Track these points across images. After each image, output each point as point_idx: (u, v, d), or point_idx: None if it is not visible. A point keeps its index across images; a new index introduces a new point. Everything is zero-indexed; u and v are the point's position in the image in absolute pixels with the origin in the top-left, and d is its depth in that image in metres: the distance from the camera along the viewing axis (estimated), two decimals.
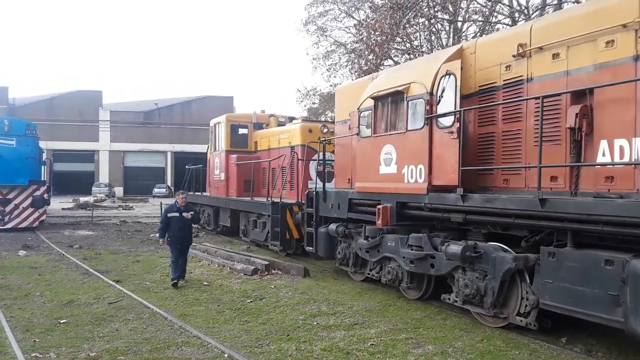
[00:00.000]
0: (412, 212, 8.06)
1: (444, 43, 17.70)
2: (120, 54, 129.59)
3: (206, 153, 19.63)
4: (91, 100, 54.01)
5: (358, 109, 9.21)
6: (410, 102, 7.89)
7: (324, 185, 10.45)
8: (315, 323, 7.03)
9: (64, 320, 7.09)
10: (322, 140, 10.52)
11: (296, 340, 6.31)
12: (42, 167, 21.25)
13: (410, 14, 15.26)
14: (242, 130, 17.08)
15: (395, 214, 8.21)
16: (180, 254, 9.92)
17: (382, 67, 17.68)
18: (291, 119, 16.70)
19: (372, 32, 15.91)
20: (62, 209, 28.80)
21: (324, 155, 10.53)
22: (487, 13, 15.91)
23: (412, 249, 7.81)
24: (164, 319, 7.20)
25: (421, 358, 5.74)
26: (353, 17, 22.85)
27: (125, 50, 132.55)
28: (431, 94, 7.50)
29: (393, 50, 17.34)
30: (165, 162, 55.73)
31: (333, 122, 14.54)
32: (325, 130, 13.77)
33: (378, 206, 8.34)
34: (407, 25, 15.48)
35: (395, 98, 8.25)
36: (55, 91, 60.30)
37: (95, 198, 38.21)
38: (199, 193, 19.54)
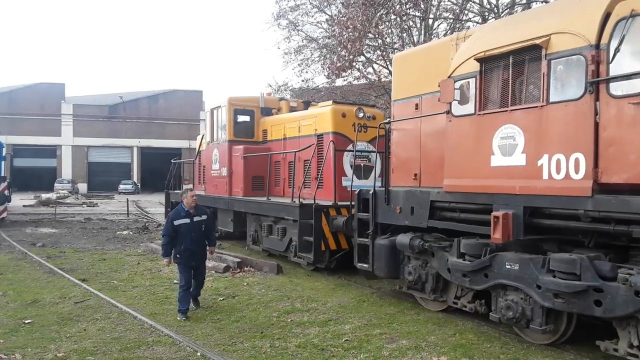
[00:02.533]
0: (551, 222, 5.68)
1: (415, 40, 18.00)
2: (84, 46, 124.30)
3: (199, 144, 16.88)
4: (53, 93, 53.51)
5: (449, 76, 6.74)
6: (553, 62, 5.48)
7: (387, 182, 7.97)
8: (289, 320, 7.09)
9: (29, 321, 6.97)
10: (386, 122, 7.98)
11: (270, 337, 6.35)
12: (2, 162, 20.51)
13: (382, 11, 15.23)
14: (244, 117, 14.43)
15: (523, 224, 5.79)
16: (194, 274, 7.43)
17: (355, 64, 17.61)
18: (306, 103, 14.16)
19: (345, 29, 15.88)
20: (24, 206, 28.53)
21: (386, 142, 8.02)
22: (457, 11, 16.12)
23: (554, 276, 5.42)
24: (134, 318, 7.13)
25: (395, 353, 5.87)
26: (325, 12, 23.07)
27: (89, 42, 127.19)
28: (597, 47, 5.10)
29: (365, 47, 17.38)
30: (131, 157, 55.31)
31: (371, 105, 12.13)
32: (362, 114, 11.32)
33: (495, 213, 5.92)
34: (379, 22, 15.44)
35: (522, 57, 5.85)
36: (15, 83, 60.28)
37: (58, 195, 38.17)
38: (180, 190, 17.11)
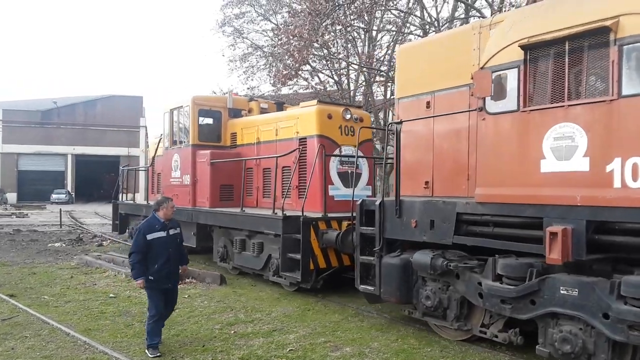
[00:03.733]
0: (620, 239, 4.80)
1: (360, 51, 18.55)
2: (15, 49, 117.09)
3: (155, 150, 15.31)
4: None
5: (483, 67, 5.81)
6: (626, 48, 4.62)
7: (397, 192, 6.92)
8: (232, 332, 6.98)
9: None
10: (397, 122, 6.94)
11: (212, 350, 6.25)
12: None
13: (327, 21, 15.42)
14: (210, 119, 13.09)
15: (585, 241, 4.89)
16: (166, 300, 6.35)
17: (301, 72, 17.89)
18: (279, 105, 12.96)
19: (292, 37, 16.03)
20: None
21: (397, 144, 7.00)
22: (399, 24, 16.59)
23: (625, 303, 4.55)
24: (66, 334, 6.84)
25: None
26: (270, 21, 23.31)
27: (21, 45, 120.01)
28: None
29: (311, 56, 17.62)
30: (65, 165, 53.20)
31: (357, 106, 11.11)
32: (349, 116, 10.28)
33: (551, 228, 4.99)
34: (324, 32, 15.65)
35: (581, 43, 4.97)
36: None
37: None
38: (133, 201, 16.36)
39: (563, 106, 5.12)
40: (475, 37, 6.68)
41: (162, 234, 6.20)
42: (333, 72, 19.87)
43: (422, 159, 7.25)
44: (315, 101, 10.81)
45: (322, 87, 20.08)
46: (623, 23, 4.68)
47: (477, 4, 14.81)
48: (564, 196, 5.07)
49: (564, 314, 5.14)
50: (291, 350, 6.24)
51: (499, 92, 5.67)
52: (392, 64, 17.90)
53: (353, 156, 9.79)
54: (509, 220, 5.66)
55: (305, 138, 10.20)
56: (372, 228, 7.26)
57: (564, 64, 5.12)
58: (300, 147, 10.17)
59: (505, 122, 5.65)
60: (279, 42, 18.27)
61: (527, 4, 11.31)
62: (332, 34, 17.41)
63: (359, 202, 7.53)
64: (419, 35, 16.37)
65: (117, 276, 10.92)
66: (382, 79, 17.85)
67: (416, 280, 6.83)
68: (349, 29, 17.29)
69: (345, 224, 9.03)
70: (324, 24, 15.82)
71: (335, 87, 19.91)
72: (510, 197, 5.57)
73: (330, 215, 9.09)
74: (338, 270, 9.25)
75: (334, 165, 9.89)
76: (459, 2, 14.66)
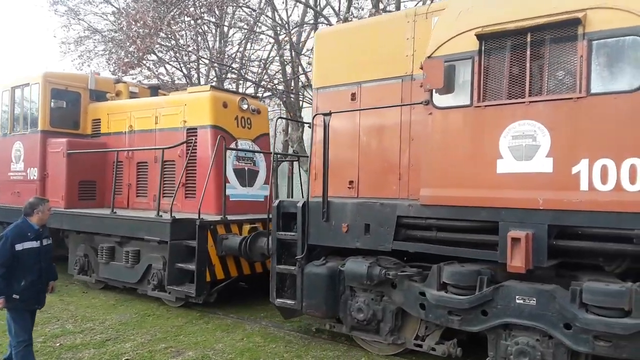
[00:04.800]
0: (581, 244, 4.66)
1: (211, 45, 18.35)
2: None
3: None
4: None
5: (430, 57, 5.37)
6: (595, 43, 4.48)
7: (325, 193, 6.20)
8: (57, 344, 6.50)
9: None
10: (326, 114, 6.20)
11: None
12: None
13: (175, 11, 15.10)
14: (66, 101, 11.05)
15: (547, 247, 4.69)
16: (32, 321, 5.11)
17: (144, 62, 17.28)
18: (154, 89, 11.41)
19: (134, 23, 15.42)
20: None
21: (325, 139, 6.27)
22: (251, 22, 16.58)
23: (587, 311, 4.44)
24: None
25: None
26: (112, 4, 21.73)
27: None
28: None
29: (157, 46, 16.97)
30: None
31: (253, 97, 10.18)
32: (246, 106, 9.32)
33: (514, 233, 4.70)
34: (172, 22, 15.24)
35: (546, 35, 4.75)
36: None
37: None
38: None
39: (524, 102, 4.84)
40: (409, 26, 6.25)
41: (35, 244, 4.87)
42: (182, 65, 18.82)
43: (346, 156, 6.62)
44: (208, 86, 9.61)
45: (170, 79, 19.12)
46: (593, 17, 4.52)
47: (325, 12, 14.97)
48: (524, 199, 4.81)
49: (521, 325, 4.86)
50: (127, 359, 5.98)
51: (449, 85, 5.25)
52: (243, 61, 17.79)
53: (263, 152, 8.89)
54: (457, 224, 5.28)
55: (196, 128, 8.98)
56: (293, 233, 6.44)
57: (526, 57, 4.85)
58: (188, 138, 8.90)
59: (457, 117, 5.26)
60: (120, 27, 17.27)
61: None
62: (181, 24, 16.82)
63: (275, 204, 6.64)
64: (270, 36, 16.30)
65: None
66: (234, 76, 17.19)
67: (343, 291, 6.17)
68: (199, 21, 16.79)
69: (247, 227, 8.06)
70: (171, 13, 15.15)
71: (184, 81, 18.82)
72: (461, 199, 5.19)
73: (230, 218, 8.02)
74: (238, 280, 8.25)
75: (229, 161, 8.83)
76: (308, 8, 14.67)
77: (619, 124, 4.37)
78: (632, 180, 4.31)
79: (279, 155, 9.73)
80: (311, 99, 14.92)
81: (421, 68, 5.36)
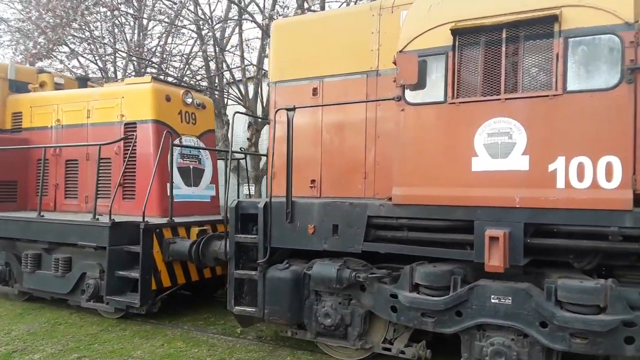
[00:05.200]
0: (556, 242, 4.71)
1: (129, 38, 17.90)
2: None
3: None
4: None
5: (401, 51, 5.25)
6: (572, 41, 4.53)
7: (289, 192, 5.91)
8: None
9: None
10: (289, 109, 5.88)
11: None
12: None
13: (89, 1, 14.80)
14: None
15: (523, 246, 4.69)
16: None
17: (54, 53, 16.90)
18: (82, 80, 10.56)
19: (44, 13, 14.96)
20: None
21: (289, 135, 5.97)
22: (172, 16, 16.24)
23: (562, 309, 4.49)
24: None
25: None
26: None
27: None
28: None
29: (70, 37, 16.46)
30: None
31: (198, 90, 9.66)
32: (190, 100, 8.80)
33: (492, 232, 4.66)
34: (85, 12, 14.87)
35: (523, 32, 4.75)
36: None
37: None
38: None
39: (499, 99, 4.81)
40: (375, 20, 6.12)
41: None
42: (97, 58, 17.98)
43: (307, 154, 6.38)
44: (148, 77, 8.98)
45: (84, 72, 18.21)
46: (569, 14, 4.55)
47: (250, 9, 14.95)
48: (500, 197, 4.78)
49: (496, 324, 4.83)
50: None
51: (422, 81, 5.14)
52: (164, 55, 17.32)
53: (218, 149, 8.35)
54: (430, 224, 5.17)
55: (135, 123, 8.35)
56: (253, 236, 6.09)
57: (501, 53, 4.82)
58: (129, 134, 8.26)
59: (430, 114, 5.15)
60: (29, 17, 16.37)
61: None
62: (96, 15, 16.17)
63: (233, 204, 6.24)
64: (192, 30, 15.91)
65: None
66: (154, 70, 16.59)
67: (308, 295, 5.91)
68: (115, 12, 16.18)
69: (195, 230, 7.58)
70: (85, 3, 14.67)
71: (99, 74, 17.97)
72: (435, 198, 5.08)
73: (177, 220, 7.51)
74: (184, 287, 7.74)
75: (174, 159, 8.26)
76: (232, 4, 14.45)
77: (596, 121, 4.43)
78: (609, 178, 4.37)
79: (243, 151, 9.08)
80: (237, 96, 14.60)
81: (394, 63, 5.20)
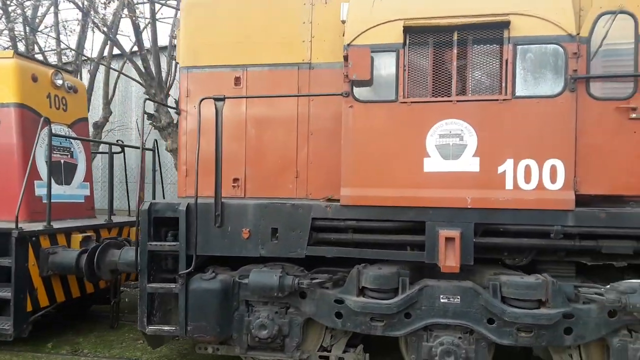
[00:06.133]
0: (503, 241, 4.99)
1: None
2: None
3: None
4: None
5: (349, 44, 5.11)
6: (520, 48, 4.83)
7: (217, 192, 5.36)
8: None
9: None
10: (218, 98, 5.32)
11: None
12: None
13: None
14: None
15: (473, 245, 4.89)
16: None
17: None
18: None
19: None
20: None
21: (218, 127, 5.42)
22: None
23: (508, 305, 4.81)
24: None
25: None
26: None
27: None
28: (583, 40, 4.81)
29: None
30: None
31: (68, 71, 8.37)
32: (61, 81, 7.57)
33: (447, 232, 4.77)
34: None
35: (474, 36, 4.93)
36: None
37: None
38: None
39: (450, 101, 4.91)
40: (307, 9, 5.88)
41: None
42: None
43: (228, 150, 5.84)
44: (10, 52, 7.44)
45: None
46: (517, 22, 4.81)
47: None
48: (452, 198, 4.89)
49: (446, 324, 4.95)
50: None
51: (372, 77, 5.03)
52: None
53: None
54: (378, 225, 5.10)
55: None
56: (173, 243, 5.39)
57: (453, 55, 4.92)
58: None
59: (380, 112, 5.06)
60: None
61: None
62: None
63: (145, 207, 5.45)
64: (174, 8, 13.58)
65: None
66: None
67: (237, 307, 5.43)
68: None
69: (77, 237, 6.51)
70: None
71: None
72: (386, 199, 5.02)
73: (56, 226, 6.36)
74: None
75: (41, 151, 7.01)
76: None
77: (541, 126, 4.74)
78: (553, 180, 4.72)
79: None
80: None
81: (345, 57, 4.99)
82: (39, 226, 6.21)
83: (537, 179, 4.75)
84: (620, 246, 4.73)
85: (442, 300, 4.93)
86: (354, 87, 5.06)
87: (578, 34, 4.75)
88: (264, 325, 5.30)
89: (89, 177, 7.94)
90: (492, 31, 4.84)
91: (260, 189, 5.86)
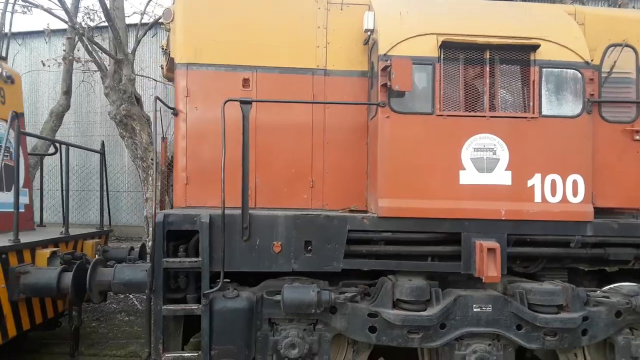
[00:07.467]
0: (531, 250, 5.39)
1: None
2: None
3: None
4: None
5: (385, 55, 5.19)
6: (545, 70, 5.31)
7: (245, 203, 5.05)
8: None
9: None
10: (245, 101, 5.00)
11: None
12: None
13: None
14: None
15: (506, 255, 5.24)
16: None
17: None
18: None
19: None
20: None
21: (245, 133, 5.12)
22: None
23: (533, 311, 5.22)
24: None
25: None
26: None
27: None
28: (595, 67, 5.42)
29: None
30: None
31: (2, 58, 7.25)
32: (5, 73, 6.52)
33: (488, 243, 5.04)
34: None
35: (496, 54, 5.30)
36: None
37: None
38: None
39: (484, 117, 5.20)
40: (321, 13, 5.82)
41: None
42: None
43: (235, 157, 5.52)
44: None
45: None
46: (543, 46, 5.25)
47: None
48: (488, 210, 5.15)
49: (479, 333, 5.18)
50: None
51: (414, 92, 5.15)
52: None
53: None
54: (406, 237, 5.19)
55: None
56: (194, 259, 4.93)
57: (485, 72, 5.22)
58: None
59: (416, 124, 5.18)
60: None
61: None
62: None
63: (159, 219, 4.91)
64: None
65: None
66: None
67: (260, 326, 5.13)
68: None
69: (44, 253, 5.65)
70: None
71: None
72: (424, 210, 5.13)
73: (24, 241, 5.44)
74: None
75: None
76: None
77: (564, 144, 5.22)
78: (575, 193, 5.21)
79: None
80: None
81: (384, 68, 5.01)
82: (3, 241, 5.24)
83: (561, 193, 5.19)
84: (624, 253, 5.35)
85: (475, 310, 5.13)
86: (389, 97, 5.09)
87: (592, 60, 5.32)
88: (294, 344, 5.06)
89: (27, 182, 6.88)
90: (521, 53, 5.22)
91: (272, 198, 5.62)
